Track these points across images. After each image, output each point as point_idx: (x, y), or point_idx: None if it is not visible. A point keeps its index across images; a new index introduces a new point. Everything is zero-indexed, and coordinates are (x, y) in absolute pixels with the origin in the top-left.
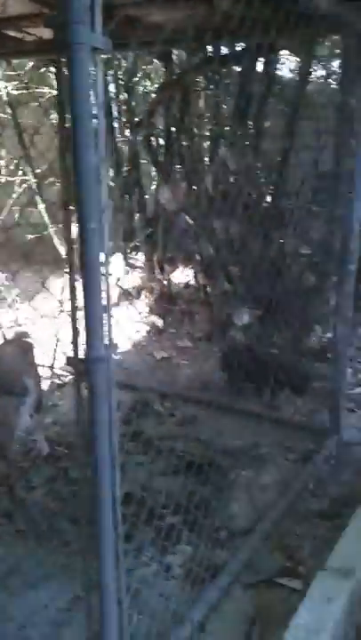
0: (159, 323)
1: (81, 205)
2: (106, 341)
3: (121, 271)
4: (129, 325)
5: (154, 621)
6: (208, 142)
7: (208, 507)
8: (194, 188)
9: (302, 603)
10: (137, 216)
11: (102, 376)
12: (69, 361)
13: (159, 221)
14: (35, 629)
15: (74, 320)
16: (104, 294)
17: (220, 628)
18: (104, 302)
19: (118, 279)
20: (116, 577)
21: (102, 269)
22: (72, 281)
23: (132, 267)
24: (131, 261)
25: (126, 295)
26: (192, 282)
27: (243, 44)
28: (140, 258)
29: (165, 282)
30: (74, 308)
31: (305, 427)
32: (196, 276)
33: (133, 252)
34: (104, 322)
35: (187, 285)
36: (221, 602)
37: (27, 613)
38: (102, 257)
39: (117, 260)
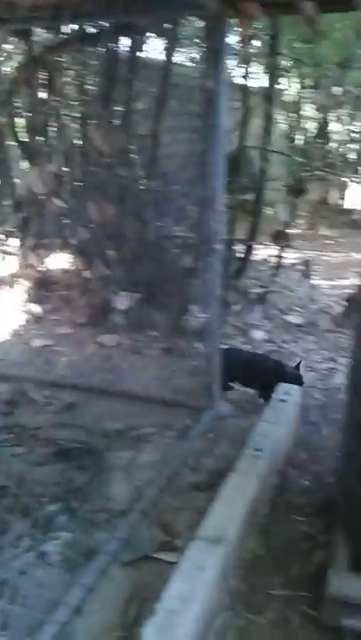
0: (37, 310)
1: None
2: None
3: None
4: (6, 314)
5: (28, 610)
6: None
7: (86, 491)
8: (64, 169)
9: (175, 573)
10: (6, 201)
11: None
12: None
13: (30, 206)
14: None
15: None
16: None
17: (98, 610)
18: None
19: None
20: None
21: None
22: None
23: (6, 253)
24: (4, 248)
25: (1, 283)
26: (70, 267)
27: (105, 23)
28: (13, 244)
29: (42, 268)
30: None
31: (182, 405)
32: (73, 261)
33: (6, 238)
34: None
35: (65, 271)
36: (99, 583)
37: None
38: None
39: None
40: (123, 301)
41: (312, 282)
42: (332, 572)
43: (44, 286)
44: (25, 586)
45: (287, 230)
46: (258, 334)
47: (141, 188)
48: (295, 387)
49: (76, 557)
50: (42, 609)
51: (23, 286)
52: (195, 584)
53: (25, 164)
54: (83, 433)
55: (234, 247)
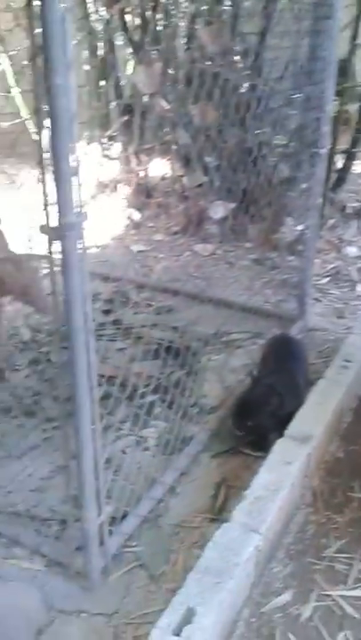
0: (136, 216)
1: (47, 57)
2: (76, 208)
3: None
4: (108, 219)
5: (129, 483)
6: (184, 21)
7: (182, 387)
8: (170, 70)
9: (262, 465)
10: (113, 103)
11: (73, 243)
12: (42, 229)
13: (135, 108)
14: (19, 495)
15: (44, 186)
16: (74, 156)
17: (190, 491)
18: (73, 164)
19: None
20: (93, 444)
21: (71, 126)
22: (40, 141)
23: (109, 158)
24: (107, 153)
25: (103, 188)
26: (168, 174)
27: None
28: (116, 149)
29: (142, 173)
30: (43, 172)
31: (274, 315)
32: (172, 168)
33: (109, 143)
34: (73, 186)
35: (163, 178)
36: (191, 468)
37: (11, 482)
38: (69, 112)
39: (94, 151)
40: (218, 210)
41: None
42: None
43: (143, 193)
44: (125, 464)
45: None
46: (352, 251)
47: (244, 91)
48: None
49: (173, 443)
50: (140, 486)
51: (124, 192)
52: (281, 476)
53: (132, 65)
54: (180, 334)
55: (333, 159)
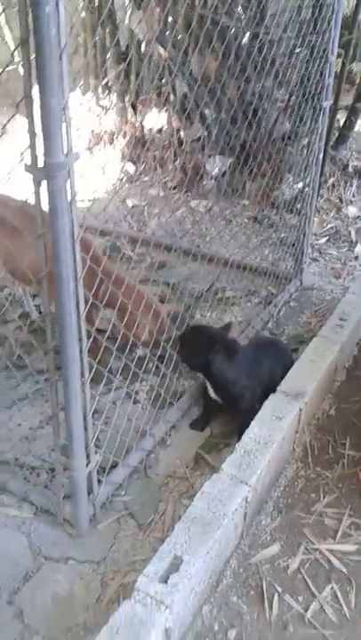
0: (132, 169)
1: None
2: (65, 148)
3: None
4: (103, 171)
5: (119, 434)
6: None
7: (174, 343)
8: (169, 17)
9: (254, 419)
10: (110, 51)
11: (61, 185)
12: (27, 169)
13: (132, 56)
14: (8, 444)
15: (31, 124)
16: (63, 88)
17: (179, 443)
18: (62, 100)
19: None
20: (82, 394)
21: (61, 56)
22: (27, 70)
23: (104, 109)
24: (102, 103)
25: (98, 140)
26: (166, 127)
27: None
28: (112, 100)
29: (139, 125)
30: (31, 108)
31: (270, 273)
32: (169, 120)
33: (105, 93)
34: (63, 123)
35: (160, 130)
36: (181, 422)
37: (1, 431)
38: (59, 44)
39: (89, 101)
40: (216, 165)
41: None
42: None
43: (139, 145)
44: (115, 415)
45: None
46: (352, 211)
47: (245, 41)
48: None
49: (163, 396)
50: (130, 437)
51: (120, 144)
52: (272, 431)
53: (129, 10)
54: (171, 291)
55: (336, 115)
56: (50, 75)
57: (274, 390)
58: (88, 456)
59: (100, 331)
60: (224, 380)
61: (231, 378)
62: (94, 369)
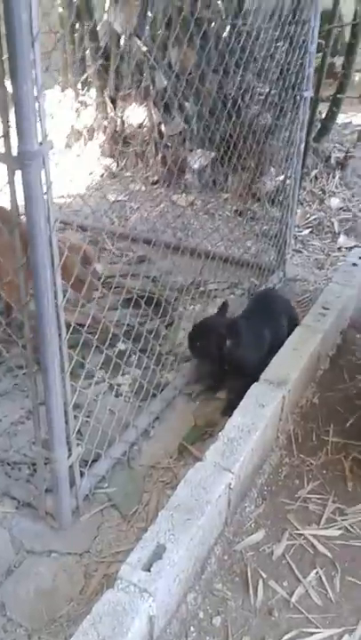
0: (113, 165)
1: None
2: (40, 136)
3: (72, 109)
4: (83, 167)
5: (101, 426)
6: None
7: (157, 335)
8: (148, 12)
9: (238, 408)
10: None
11: (35, 173)
12: (1, 158)
13: (111, 51)
14: None
15: (4, 113)
16: (36, 75)
17: (163, 434)
18: (35, 86)
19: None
20: (62, 384)
21: (33, 43)
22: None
23: (84, 104)
24: (82, 99)
25: (78, 136)
26: (147, 122)
27: None
28: (92, 95)
29: (119, 121)
30: (4, 95)
31: (252, 265)
32: (150, 114)
33: (85, 89)
34: (36, 111)
35: (141, 125)
36: (165, 413)
37: None
38: (31, 29)
39: (68, 98)
40: (198, 160)
41: None
42: None
43: (120, 140)
44: (98, 408)
45: None
46: (334, 202)
47: (225, 34)
48: None
49: (147, 389)
50: (113, 429)
51: (100, 139)
52: (255, 419)
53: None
54: (153, 284)
55: (318, 108)
56: (21, 60)
57: (282, 343)
58: (70, 448)
59: (80, 325)
60: (240, 360)
61: (246, 357)
62: (74, 360)
